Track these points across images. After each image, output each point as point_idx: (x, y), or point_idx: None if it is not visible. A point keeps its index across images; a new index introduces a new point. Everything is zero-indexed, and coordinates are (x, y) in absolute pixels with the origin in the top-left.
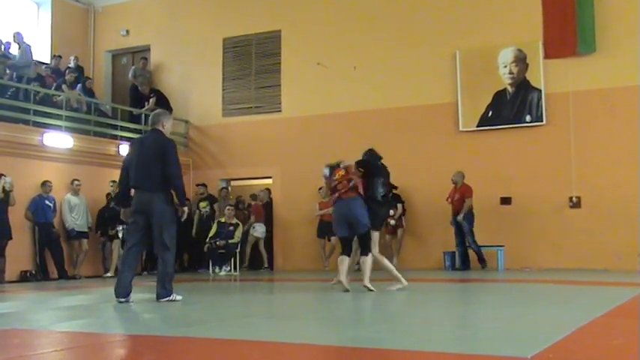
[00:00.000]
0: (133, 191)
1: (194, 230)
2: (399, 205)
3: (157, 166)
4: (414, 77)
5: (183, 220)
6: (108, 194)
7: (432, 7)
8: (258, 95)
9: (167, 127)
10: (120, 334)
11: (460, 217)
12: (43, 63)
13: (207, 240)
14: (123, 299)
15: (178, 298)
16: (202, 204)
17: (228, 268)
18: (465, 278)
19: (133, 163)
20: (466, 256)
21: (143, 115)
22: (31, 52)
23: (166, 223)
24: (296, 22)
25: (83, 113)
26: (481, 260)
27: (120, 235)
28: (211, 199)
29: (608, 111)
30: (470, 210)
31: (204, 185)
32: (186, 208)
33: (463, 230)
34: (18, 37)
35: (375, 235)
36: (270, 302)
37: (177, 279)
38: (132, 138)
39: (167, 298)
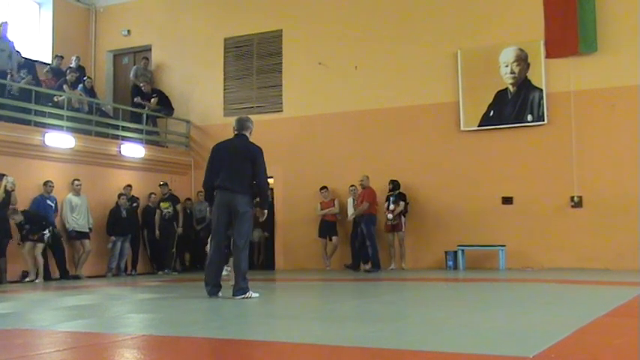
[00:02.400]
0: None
1: (156, 232)
2: (402, 203)
3: (244, 169)
4: (416, 77)
5: (261, 221)
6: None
7: (434, 7)
8: (259, 95)
9: (252, 133)
10: (122, 334)
11: (362, 225)
12: (46, 63)
13: (209, 240)
14: (214, 295)
15: (254, 295)
16: (164, 204)
17: (230, 267)
18: (467, 278)
19: (220, 165)
20: (360, 257)
21: (144, 115)
22: (15, 51)
23: (244, 224)
24: (297, 21)
25: (84, 113)
26: (374, 265)
27: (45, 239)
28: (174, 200)
29: (609, 110)
30: (372, 214)
31: (166, 185)
32: (265, 211)
33: (363, 232)
34: (2, 29)
35: None
36: (270, 302)
37: (177, 279)
38: (132, 137)
39: (242, 296)
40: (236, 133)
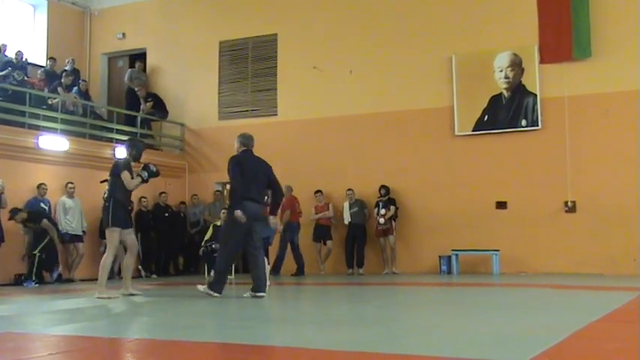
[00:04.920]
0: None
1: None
2: (392, 208)
3: (264, 183)
4: (410, 81)
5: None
6: None
7: (429, 12)
8: (254, 99)
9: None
10: (115, 338)
11: (280, 229)
12: (39, 66)
13: (203, 243)
14: (219, 294)
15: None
16: None
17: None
18: (461, 282)
19: (249, 179)
20: (298, 261)
21: (138, 118)
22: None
23: (259, 229)
24: (292, 25)
25: (79, 116)
26: (275, 269)
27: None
28: None
29: (603, 116)
30: (291, 221)
31: None
32: (278, 218)
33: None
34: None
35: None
36: (265, 306)
37: (172, 282)
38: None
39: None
40: (244, 149)
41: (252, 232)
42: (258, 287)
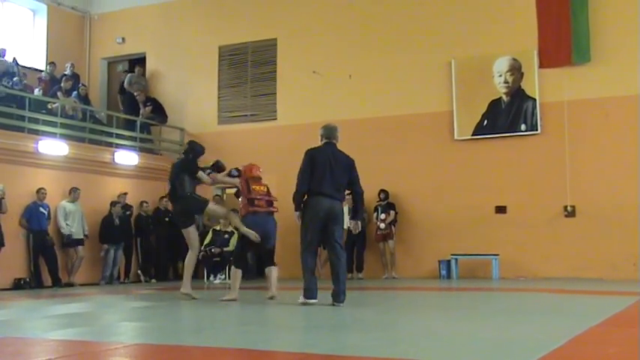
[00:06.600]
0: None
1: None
2: (392, 212)
3: (343, 178)
4: (410, 86)
5: (355, 233)
6: None
7: (428, 16)
8: (253, 103)
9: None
10: (115, 343)
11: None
12: (39, 70)
13: (203, 248)
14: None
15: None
16: None
17: (223, 276)
18: (461, 287)
19: (321, 172)
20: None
21: (138, 123)
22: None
23: (341, 229)
24: (292, 30)
25: (78, 120)
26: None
27: None
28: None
29: (602, 120)
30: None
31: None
32: (359, 223)
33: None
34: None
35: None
36: (264, 310)
37: (172, 287)
38: (126, 145)
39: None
40: (326, 141)
41: (329, 230)
42: (335, 296)
